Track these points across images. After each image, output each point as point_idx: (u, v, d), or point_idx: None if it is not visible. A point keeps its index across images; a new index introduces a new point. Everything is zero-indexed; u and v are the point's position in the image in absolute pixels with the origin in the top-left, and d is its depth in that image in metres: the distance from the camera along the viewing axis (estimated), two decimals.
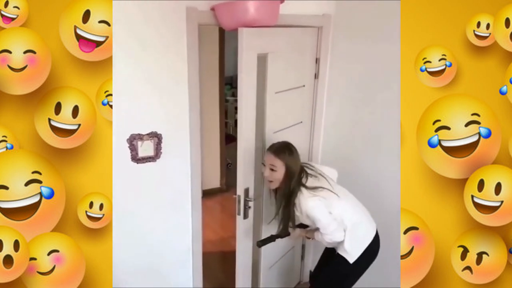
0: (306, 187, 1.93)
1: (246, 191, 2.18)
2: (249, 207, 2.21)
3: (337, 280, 2.07)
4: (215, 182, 4.51)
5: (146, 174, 2.06)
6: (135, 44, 1.86)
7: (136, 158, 2.01)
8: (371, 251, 2.02)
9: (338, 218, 1.93)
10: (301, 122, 2.56)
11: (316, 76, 2.54)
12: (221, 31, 3.99)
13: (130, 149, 1.98)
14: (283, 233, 2.10)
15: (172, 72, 2.00)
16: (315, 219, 1.91)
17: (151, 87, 1.96)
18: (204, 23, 2.02)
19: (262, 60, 2.11)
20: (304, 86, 2.48)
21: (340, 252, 1.99)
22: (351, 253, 1.97)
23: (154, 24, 1.88)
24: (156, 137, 2.03)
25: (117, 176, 1.94)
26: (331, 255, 2.10)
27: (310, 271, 2.97)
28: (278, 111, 2.33)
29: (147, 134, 2.00)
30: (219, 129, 4.30)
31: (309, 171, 2.02)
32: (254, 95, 2.07)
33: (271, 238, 2.16)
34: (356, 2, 2.32)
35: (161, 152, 2.07)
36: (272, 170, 1.94)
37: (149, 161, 2.05)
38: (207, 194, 4.21)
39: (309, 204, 1.89)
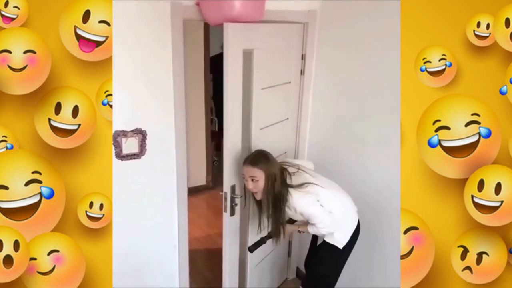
0: (293, 186, 1.94)
1: (233, 188, 2.18)
2: (236, 204, 2.21)
3: (328, 267, 2.12)
4: (201, 179, 4.49)
5: (130, 171, 2.04)
6: (117, 41, 1.83)
7: (120, 155, 1.98)
8: (356, 233, 2.09)
9: (328, 209, 1.96)
10: (287, 118, 2.56)
11: (302, 72, 2.53)
12: (206, 27, 3.97)
13: (115, 145, 1.95)
14: (273, 233, 2.11)
15: (157, 69, 1.98)
16: (310, 215, 1.94)
17: (135, 84, 1.94)
18: (189, 18, 2.00)
19: (247, 56, 2.10)
20: (290, 82, 2.47)
21: (329, 240, 2.02)
22: (340, 240, 2.02)
23: (137, 20, 1.85)
24: (140, 133, 2.01)
25: None
26: (318, 242, 2.14)
27: (297, 267, 2.98)
28: (265, 108, 2.32)
29: (132, 131, 1.98)
30: (205, 126, 4.28)
31: (289, 169, 2.03)
32: (240, 92, 2.07)
33: (262, 241, 2.17)
34: None
35: (145, 149, 2.05)
36: (253, 181, 1.94)
37: (134, 158, 2.03)
38: (192, 191, 4.18)
39: (302, 203, 1.91)
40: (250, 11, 1.92)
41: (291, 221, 2.18)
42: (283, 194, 1.93)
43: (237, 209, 2.24)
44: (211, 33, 4.03)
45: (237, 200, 2.20)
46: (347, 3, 2.30)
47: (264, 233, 2.17)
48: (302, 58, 2.50)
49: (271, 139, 2.43)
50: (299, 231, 2.13)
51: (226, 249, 2.26)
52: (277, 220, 2.01)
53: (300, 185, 1.94)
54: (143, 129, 2.01)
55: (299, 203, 1.91)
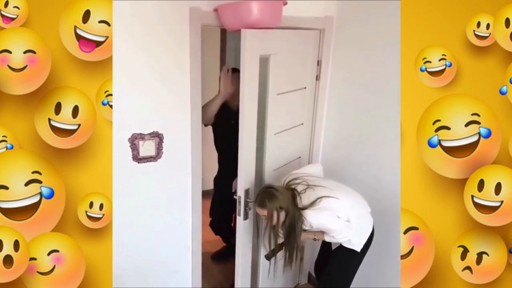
0: (306, 207, 1.91)
1: (247, 192, 2.18)
2: (250, 208, 2.20)
3: (345, 270, 2.10)
4: None
5: (147, 173, 2.06)
6: (137, 45, 1.86)
7: (137, 158, 2.00)
8: (371, 235, 2.07)
9: (345, 218, 1.94)
10: (302, 124, 2.55)
11: (317, 77, 2.53)
12: (223, 32, 3.97)
13: (132, 148, 1.98)
14: (288, 258, 2.09)
15: (175, 73, 2.00)
16: (329, 230, 1.93)
17: (153, 87, 1.96)
18: (207, 24, 2.02)
19: (264, 62, 2.10)
20: (305, 88, 2.48)
21: (346, 245, 1.99)
22: (358, 243, 1.99)
23: (155, 25, 1.87)
24: (157, 136, 2.03)
25: (118, 176, 1.95)
26: (333, 246, 2.12)
27: (309, 273, 2.97)
28: (279, 113, 2.32)
29: (149, 134, 2.00)
30: None
31: (298, 188, 1.99)
32: (256, 97, 2.07)
33: (280, 247, 2.14)
34: (359, 4, 2.31)
35: (162, 152, 2.07)
36: (268, 218, 1.93)
37: (150, 161, 2.05)
38: (207, 194, 4.19)
39: (319, 221, 1.90)
40: (268, 17, 1.93)
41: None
42: (296, 220, 1.90)
43: (251, 213, 2.24)
44: (227, 39, 4.03)
45: (251, 204, 2.19)
46: (364, 9, 2.28)
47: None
48: (318, 64, 2.50)
49: (285, 144, 2.43)
50: (314, 239, 2.09)
51: (239, 252, 2.26)
52: (291, 247, 1.99)
53: (313, 203, 1.90)
54: (160, 132, 2.03)
55: (317, 221, 1.90)
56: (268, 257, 2.18)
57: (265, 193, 1.94)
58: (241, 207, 2.16)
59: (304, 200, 1.93)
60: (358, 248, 1.99)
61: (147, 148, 2.01)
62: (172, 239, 2.28)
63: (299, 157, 2.60)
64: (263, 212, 1.93)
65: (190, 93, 2.06)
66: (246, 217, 2.21)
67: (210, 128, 2.67)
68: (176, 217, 2.26)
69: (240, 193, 2.14)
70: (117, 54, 1.79)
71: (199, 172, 2.23)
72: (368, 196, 2.17)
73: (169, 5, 1.87)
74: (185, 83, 2.03)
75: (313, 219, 1.89)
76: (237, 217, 2.20)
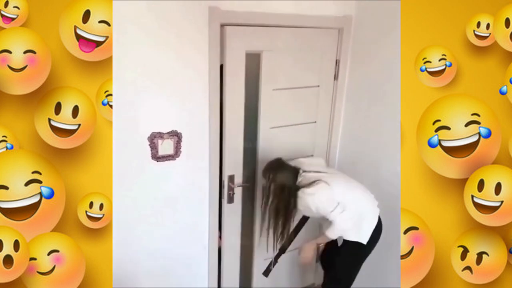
0: (305, 186, 1.95)
1: (231, 177, 2.29)
2: (234, 193, 2.34)
3: (350, 265, 2.12)
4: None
5: (165, 172, 2.08)
6: (156, 44, 1.86)
7: (156, 156, 2.02)
8: (378, 229, 2.06)
9: (344, 204, 1.94)
10: (315, 121, 2.57)
11: (335, 77, 2.54)
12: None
13: (151, 147, 1.99)
14: (286, 245, 2.15)
15: (193, 72, 2.01)
16: (325, 211, 1.91)
17: (172, 86, 1.97)
18: (226, 23, 2.04)
19: (255, 58, 2.20)
20: (318, 86, 2.49)
21: (350, 238, 2.01)
22: (363, 235, 2.00)
23: (174, 24, 1.88)
24: (176, 135, 2.04)
25: (137, 174, 1.99)
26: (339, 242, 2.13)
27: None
28: (278, 108, 2.37)
29: (168, 133, 2.02)
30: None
31: (302, 169, 2.05)
32: (242, 90, 2.18)
33: (276, 259, 2.22)
34: (377, 3, 2.30)
35: (180, 151, 2.08)
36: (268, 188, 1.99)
37: (169, 160, 2.06)
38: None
39: (315, 200, 1.90)
40: None
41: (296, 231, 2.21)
42: (291, 196, 1.94)
43: (236, 197, 2.36)
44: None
45: (235, 189, 2.33)
46: (382, 8, 2.27)
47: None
48: (336, 64, 2.51)
49: (287, 139, 2.47)
50: (318, 244, 2.10)
51: (226, 237, 2.39)
52: (283, 225, 2.01)
53: (311, 183, 1.94)
54: (178, 131, 2.04)
55: (312, 200, 1.91)
56: (267, 273, 2.24)
57: (274, 163, 2.05)
58: (224, 191, 2.31)
59: (303, 181, 1.98)
60: (364, 240, 1.99)
61: (166, 147, 2.03)
62: (189, 238, 2.30)
63: (311, 155, 2.62)
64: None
65: (209, 92, 2.08)
66: (230, 200, 2.35)
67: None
68: (194, 216, 2.28)
69: (224, 177, 2.28)
70: (137, 53, 1.82)
71: (217, 172, 2.27)
72: (386, 196, 2.15)
73: (189, 4, 1.88)
74: (204, 83, 2.05)
75: (309, 198, 1.90)
76: (222, 200, 2.36)
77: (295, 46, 2.30)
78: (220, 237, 2.43)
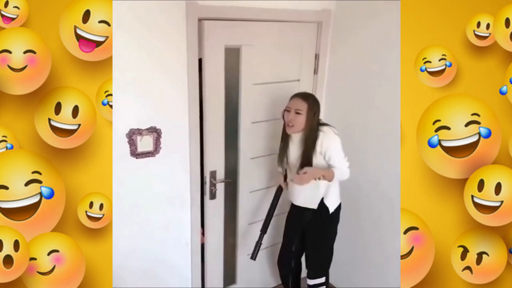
0: (328, 125, 2.07)
1: (212, 173, 2.29)
2: (216, 189, 2.34)
3: (334, 231, 2.28)
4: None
5: (145, 169, 2.06)
6: (133, 39, 1.85)
7: (135, 153, 2.00)
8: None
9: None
10: None
11: (315, 71, 2.54)
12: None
13: (129, 144, 1.97)
14: (267, 222, 2.29)
15: (172, 67, 1.99)
16: (338, 153, 2.06)
17: (150, 82, 1.96)
18: (204, 17, 2.02)
19: (235, 52, 2.20)
20: (299, 80, 2.49)
21: (327, 201, 2.15)
22: (337, 198, 2.20)
23: (151, 19, 1.86)
24: (155, 132, 2.03)
25: (116, 171, 1.94)
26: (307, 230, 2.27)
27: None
28: (259, 103, 2.38)
29: (147, 129, 2.00)
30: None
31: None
32: (222, 85, 2.19)
33: (258, 243, 2.30)
34: None
35: (160, 147, 2.06)
36: (297, 113, 2.02)
37: (148, 156, 2.05)
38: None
39: (330, 141, 2.02)
40: None
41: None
42: (317, 131, 2.04)
43: (219, 193, 2.37)
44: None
45: (217, 185, 2.34)
46: (361, 2, 2.29)
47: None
48: (315, 58, 2.52)
49: (270, 134, 2.48)
50: (320, 178, 2.06)
51: (209, 230, 2.40)
52: (307, 157, 2.07)
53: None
54: (157, 128, 2.03)
55: (327, 141, 2.02)
56: (254, 256, 2.30)
57: (310, 93, 2.12)
58: (206, 187, 2.31)
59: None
60: (337, 203, 2.19)
61: (145, 143, 2.01)
62: (171, 235, 2.28)
63: None
64: (299, 106, 2.03)
65: (188, 87, 2.06)
66: (212, 197, 2.35)
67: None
68: (175, 213, 2.25)
69: (206, 173, 2.28)
70: (113, 49, 1.78)
71: (198, 168, 2.25)
72: (367, 190, 2.16)
73: None
74: (182, 78, 2.03)
75: (325, 137, 2.02)
76: (204, 196, 2.36)
77: (275, 40, 2.29)
78: (203, 233, 2.42)
